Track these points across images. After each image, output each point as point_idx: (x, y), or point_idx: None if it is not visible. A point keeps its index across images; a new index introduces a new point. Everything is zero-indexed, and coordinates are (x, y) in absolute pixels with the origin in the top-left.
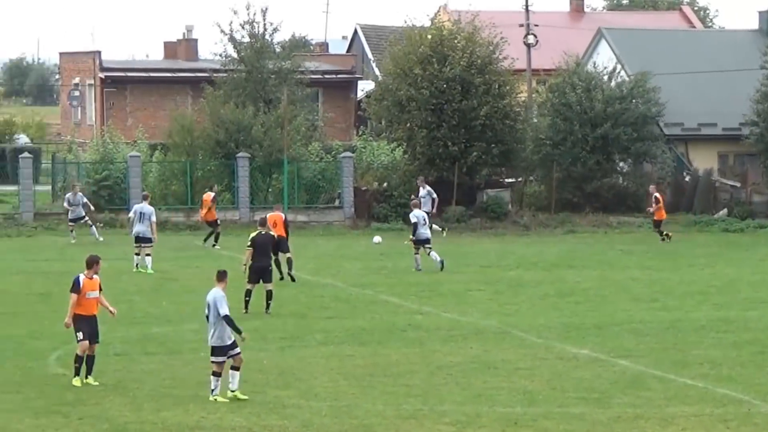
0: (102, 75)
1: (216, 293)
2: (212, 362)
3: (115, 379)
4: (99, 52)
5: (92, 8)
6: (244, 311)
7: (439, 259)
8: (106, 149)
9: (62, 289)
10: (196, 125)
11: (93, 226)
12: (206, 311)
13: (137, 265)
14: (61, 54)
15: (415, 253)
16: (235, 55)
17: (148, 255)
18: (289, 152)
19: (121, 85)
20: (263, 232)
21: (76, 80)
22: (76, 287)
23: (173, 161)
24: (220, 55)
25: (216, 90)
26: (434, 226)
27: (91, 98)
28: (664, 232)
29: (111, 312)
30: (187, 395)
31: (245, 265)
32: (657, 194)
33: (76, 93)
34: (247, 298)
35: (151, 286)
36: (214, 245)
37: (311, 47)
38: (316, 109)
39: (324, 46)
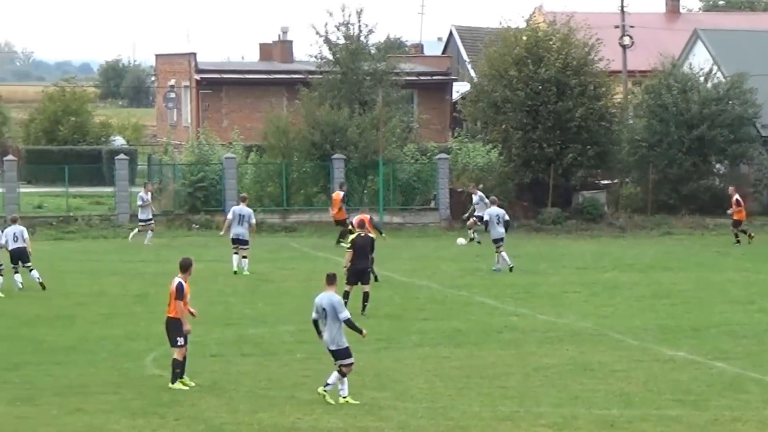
0: (198, 77)
1: (332, 297)
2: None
3: (211, 381)
4: (194, 54)
5: (188, 10)
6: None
7: (508, 261)
8: (201, 151)
9: (158, 291)
10: (292, 127)
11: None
12: (314, 314)
13: (237, 266)
14: (156, 56)
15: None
16: (330, 56)
17: (245, 257)
18: (384, 154)
19: (217, 86)
20: (363, 234)
21: (172, 82)
22: (181, 293)
23: (269, 163)
24: (316, 57)
25: (311, 92)
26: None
27: (186, 100)
28: (747, 232)
29: (193, 314)
30: (282, 396)
31: (345, 267)
32: (737, 196)
33: (172, 95)
34: (345, 300)
35: (246, 288)
36: (339, 242)
37: (406, 49)
38: (412, 110)
39: (419, 47)
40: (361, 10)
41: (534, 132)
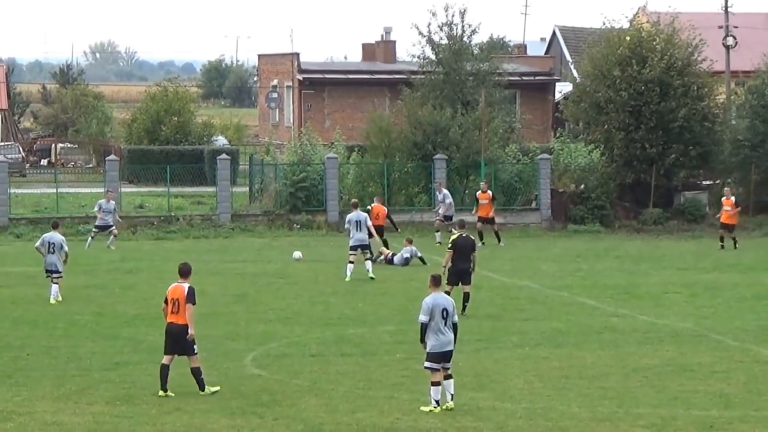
0: (300, 77)
1: (448, 298)
2: (431, 369)
3: (311, 380)
4: (297, 54)
5: (291, 10)
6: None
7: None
8: (303, 151)
9: (258, 291)
10: (394, 127)
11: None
12: (426, 317)
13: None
14: (259, 56)
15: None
16: (433, 56)
17: (368, 260)
18: (486, 154)
19: (319, 86)
20: (464, 235)
21: (275, 82)
22: (194, 297)
23: (370, 163)
24: (418, 57)
25: (414, 92)
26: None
27: (289, 100)
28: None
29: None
30: (382, 396)
31: (445, 266)
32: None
33: (275, 95)
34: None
35: (346, 288)
36: (482, 243)
37: (509, 49)
38: (514, 111)
39: (522, 47)
40: (465, 10)
41: (636, 132)
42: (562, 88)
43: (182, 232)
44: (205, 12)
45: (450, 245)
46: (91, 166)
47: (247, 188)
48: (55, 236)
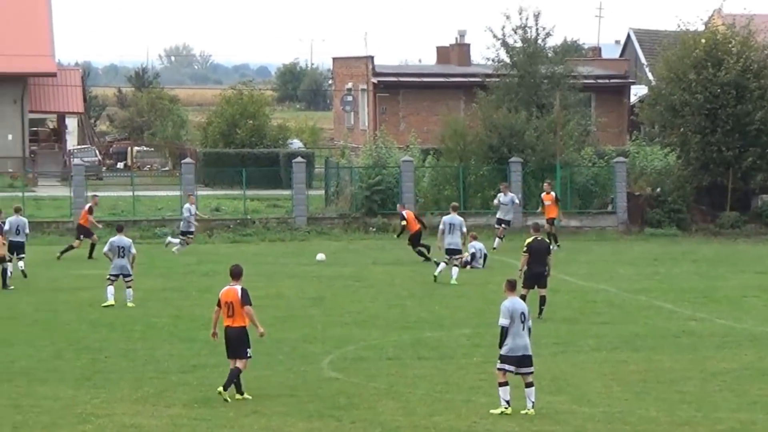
0: (375, 80)
1: (524, 303)
2: (504, 371)
3: (388, 384)
4: (372, 57)
5: (365, 13)
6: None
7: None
8: (378, 154)
9: (335, 294)
10: (469, 130)
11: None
12: (507, 321)
13: (455, 277)
14: (334, 59)
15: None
16: (507, 59)
17: (456, 266)
18: (561, 157)
19: (394, 89)
20: (539, 238)
21: (350, 85)
22: (249, 299)
23: (446, 166)
24: (493, 60)
25: (488, 95)
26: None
27: (363, 103)
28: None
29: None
30: (459, 400)
31: (521, 270)
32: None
33: (349, 98)
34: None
35: (423, 291)
36: (557, 245)
37: (584, 52)
38: (589, 114)
39: (597, 50)
40: (539, 13)
41: (713, 135)
42: (638, 91)
43: (258, 235)
44: (280, 15)
45: (525, 249)
46: (167, 169)
47: (323, 191)
48: (123, 239)
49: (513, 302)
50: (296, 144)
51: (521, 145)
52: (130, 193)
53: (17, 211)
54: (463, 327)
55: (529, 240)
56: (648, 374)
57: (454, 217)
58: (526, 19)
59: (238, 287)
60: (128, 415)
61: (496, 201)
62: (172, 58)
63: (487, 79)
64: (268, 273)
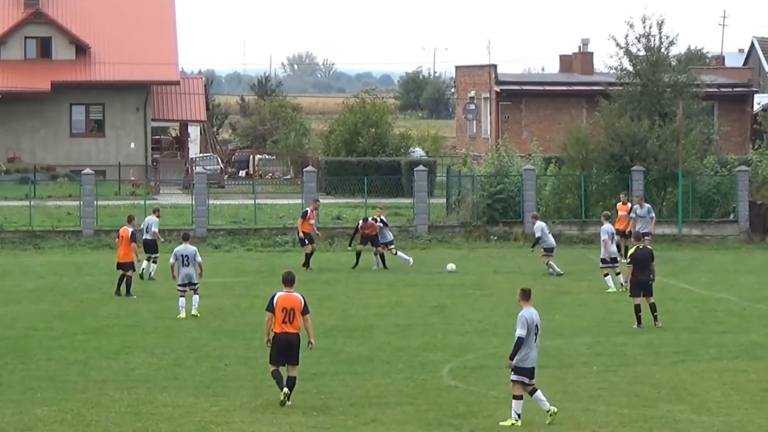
0: (498, 88)
1: (537, 314)
2: (520, 383)
3: (507, 392)
4: (495, 66)
5: (488, 22)
6: (636, 326)
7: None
8: (500, 162)
9: (455, 302)
10: (591, 138)
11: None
12: (524, 331)
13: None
14: (457, 68)
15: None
16: (630, 68)
17: (618, 274)
18: (684, 166)
19: (516, 98)
20: (641, 247)
21: (472, 93)
22: (307, 307)
23: (568, 174)
24: (616, 69)
25: (611, 103)
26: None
27: (486, 111)
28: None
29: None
30: (578, 409)
31: (626, 282)
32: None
33: (472, 106)
34: (639, 313)
35: (543, 300)
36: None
37: (707, 60)
38: (712, 122)
39: (720, 59)
40: (662, 22)
41: None
42: (761, 100)
43: None
44: (403, 24)
45: (629, 260)
46: (288, 177)
47: (444, 200)
48: (189, 248)
49: (531, 313)
50: (418, 152)
51: (643, 153)
52: (252, 201)
53: (155, 211)
54: (584, 336)
55: (632, 250)
56: None
57: (607, 227)
58: (650, 27)
59: (298, 294)
60: (247, 423)
61: (632, 214)
62: (295, 67)
63: (610, 88)
64: (388, 281)
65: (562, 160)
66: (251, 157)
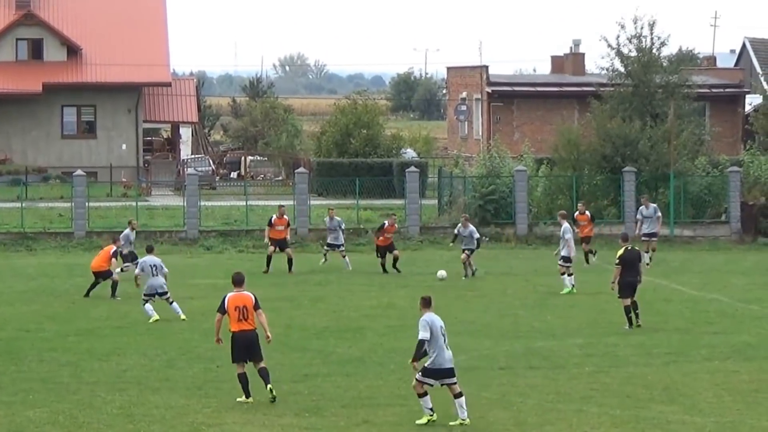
0: (489, 89)
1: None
2: (426, 383)
3: (499, 393)
4: (486, 67)
5: (480, 23)
6: (628, 327)
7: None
8: (492, 163)
9: (448, 303)
10: (583, 139)
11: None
12: (427, 334)
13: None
14: (448, 68)
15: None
16: (622, 69)
17: (570, 274)
18: (675, 167)
19: (508, 99)
20: (629, 248)
21: (463, 95)
22: (258, 303)
23: (559, 175)
24: (607, 70)
25: (602, 104)
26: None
27: (477, 112)
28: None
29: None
30: (571, 410)
31: (614, 283)
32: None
33: (463, 107)
34: (629, 314)
35: (535, 301)
36: (586, 263)
37: (698, 61)
38: (703, 123)
39: (712, 59)
40: (654, 23)
41: None
42: (753, 101)
43: (371, 245)
44: (395, 25)
45: (618, 261)
46: (280, 178)
47: (436, 201)
48: (155, 259)
49: (432, 317)
50: (410, 153)
51: (635, 154)
52: (243, 203)
53: (130, 223)
54: (576, 337)
55: (620, 252)
56: (760, 384)
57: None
58: (641, 28)
59: (248, 292)
60: (239, 424)
61: (638, 215)
62: (287, 68)
63: (602, 89)
64: (380, 282)
65: (553, 161)
66: (243, 158)
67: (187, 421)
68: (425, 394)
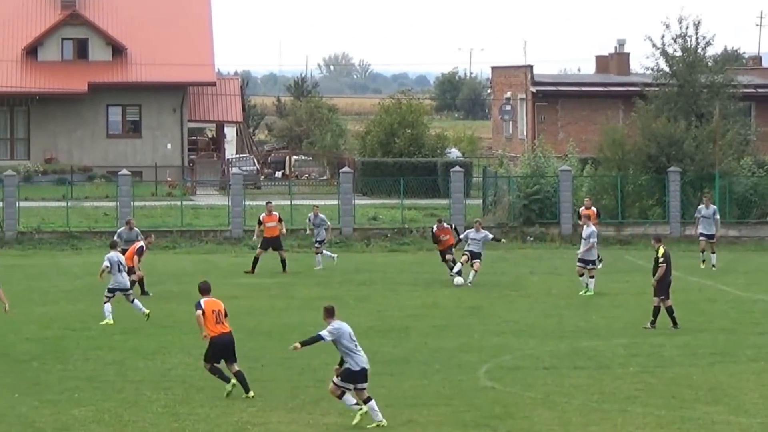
0: (534, 89)
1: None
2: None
3: (544, 393)
4: (531, 67)
5: (524, 22)
6: (673, 327)
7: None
8: (536, 163)
9: (492, 303)
10: (627, 139)
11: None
12: (331, 338)
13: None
14: (493, 68)
15: None
16: (667, 69)
17: (592, 277)
18: (720, 167)
19: (553, 99)
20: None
21: (508, 94)
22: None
23: (604, 175)
24: (652, 69)
25: (647, 104)
26: None
27: (522, 112)
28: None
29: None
30: (615, 410)
31: (658, 281)
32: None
33: (508, 107)
34: (673, 314)
35: (580, 301)
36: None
37: (744, 61)
38: (749, 123)
39: (757, 59)
40: (699, 22)
41: None
42: None
43: (415, 244)
44: (440, 25)
45: (663, 259)
46: (325, 178)
47: (480, 200)
48: (120, 256)
49: (339, 323)
50: (454, 153)
51: (680, 154)
52: (288, 202)
53: (128, 223)
54: (620, 336)
55: (662, 251)
56: None
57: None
58: (686, 28)
59: (216, 300)
60: (284, 423)
61: (697, 213)
62: (332, 68)
63: (646, 89)
64: (425, 282)
65: (598, 160)
66: (287, 157)
67: (232, 420)
68: (343, 394)
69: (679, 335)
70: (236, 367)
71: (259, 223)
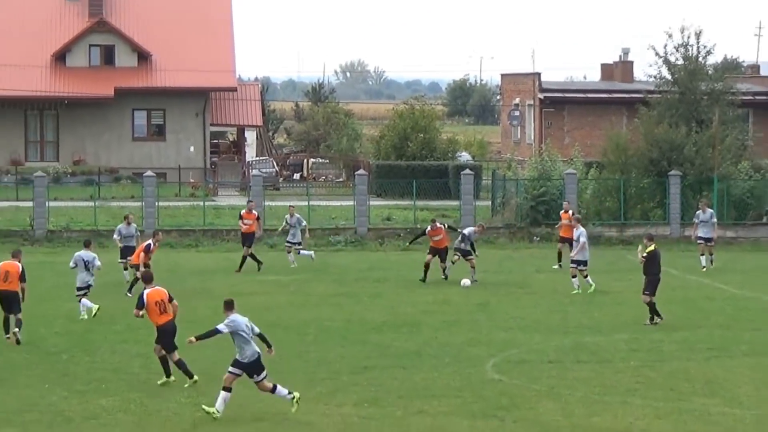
0: (541, 96)
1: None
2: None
3: (549, 385)
4: (539, 74)
5: (533, 31)
6: (648, 322)
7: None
8: (543, 167)
9: (499, 300)
10: (630, 144)
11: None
12: (227, 330)
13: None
14: (502, 75)
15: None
16: (669, 76)
17: (585, 277)
18: (719, 171)
19: (559, 105)
20: (654, 248)
21: (517, 100)
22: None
23: (608, 178)
24: (655, 77)
25: (650, 110)
26: None
27: (530, 118)
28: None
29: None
30: (616, 402)
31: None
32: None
33: (516, 113)
34: (654, 311)
35: (584, 298)
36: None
37: (743, 69)
38: (746, 129)
39: (755, 68)
40: (700, 32)
41: None
42: None
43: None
44: (451, 33)
45: (647, 255)
46: (341, 180)
47: (490, 202)
48: (89, 254)
49: (236, 317)
50: (465, 157)
51: (680, 159)
52: (306, 203)
53: (126, 218)
54: (622, 332)
55: (651, 248)
56: None
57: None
58: (688, 37)
59: (160, 287)
60: (301, 413)
61: (695, 219)
62: (348, 74)
63: (649, 96)
64: (436, 280)
65: (602, 164)
66: (305, 160)
67: (252, 411)
68: (231, 389)
69: (677, 331)
70: (176, 355)
71: (240, 218)
